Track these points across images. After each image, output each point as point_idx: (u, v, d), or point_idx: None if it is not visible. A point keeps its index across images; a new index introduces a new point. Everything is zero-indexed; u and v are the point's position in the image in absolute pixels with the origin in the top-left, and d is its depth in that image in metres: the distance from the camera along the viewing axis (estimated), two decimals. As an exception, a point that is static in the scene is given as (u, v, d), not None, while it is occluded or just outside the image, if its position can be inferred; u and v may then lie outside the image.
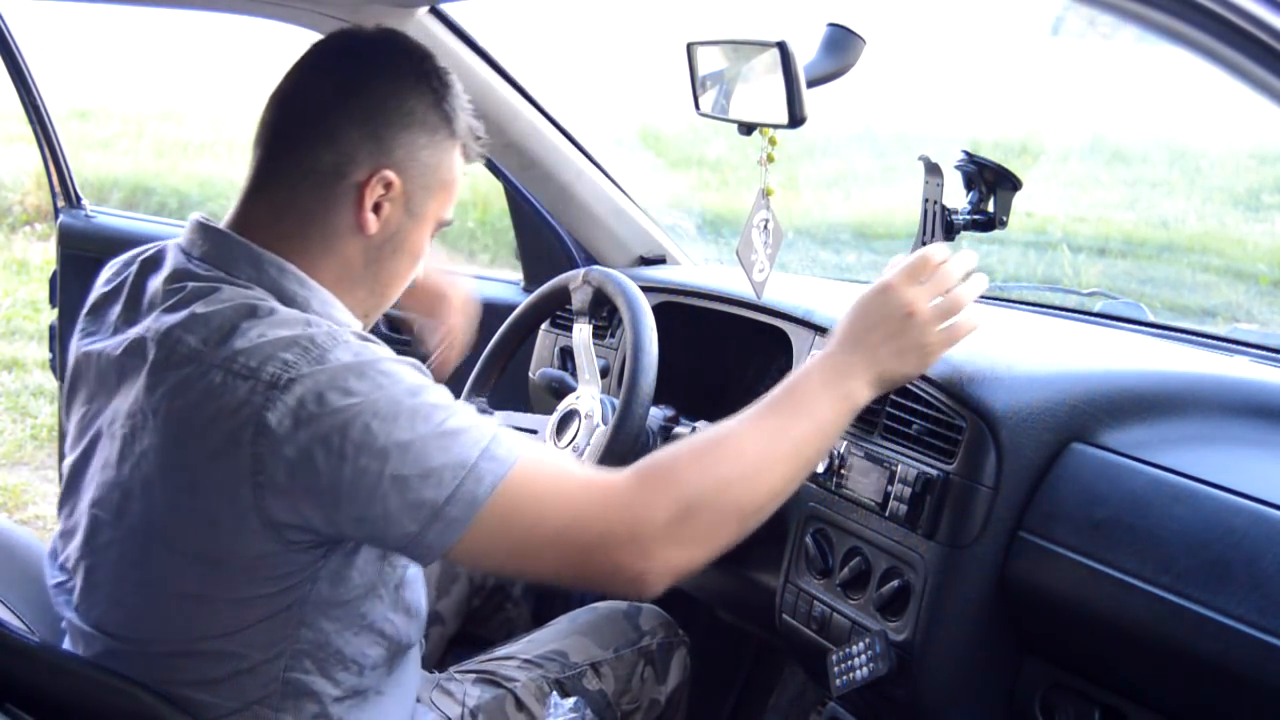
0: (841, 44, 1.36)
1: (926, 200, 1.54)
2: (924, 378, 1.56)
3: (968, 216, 1.55)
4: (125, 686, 1.28)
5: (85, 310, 1.42)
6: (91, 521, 1.29)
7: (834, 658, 1.55)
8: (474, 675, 1.68)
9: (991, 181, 1.53)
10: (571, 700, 1.62)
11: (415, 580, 1.39)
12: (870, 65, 1.39)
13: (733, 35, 1.41)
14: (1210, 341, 1.87)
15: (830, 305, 1.82)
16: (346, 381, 1.17)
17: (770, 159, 1.43)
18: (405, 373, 1.21)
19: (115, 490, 1.26)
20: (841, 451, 1.63)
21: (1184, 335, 1.90)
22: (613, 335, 2.14)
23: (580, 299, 1.80)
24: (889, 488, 1.53)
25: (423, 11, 1.97)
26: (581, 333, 1.80)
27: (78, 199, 2.85)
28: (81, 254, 2.80)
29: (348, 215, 1.30)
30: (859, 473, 1.59)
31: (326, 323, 1.24)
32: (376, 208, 1.30)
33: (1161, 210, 6.82)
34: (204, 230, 1.32)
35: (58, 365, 2.85)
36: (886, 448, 1.57)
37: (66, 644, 1.38)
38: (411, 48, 1.35)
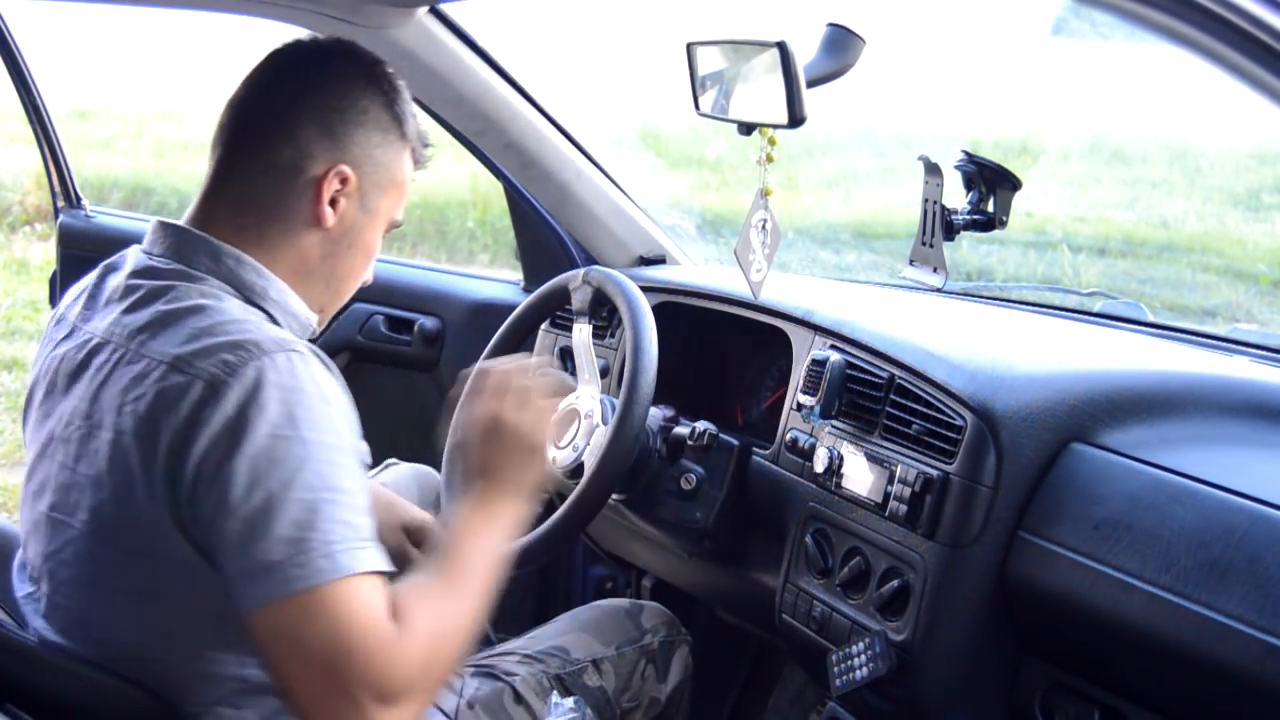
0: (841, 44, 1.36)
1: (926, 200, 1.54)
2: (923, 377, 1.56)
3: (967, 216, 1.55)
4: (125, 687, 1.28)
5: (51, 322, 1.44)
6: (50, 525, 1.30)
7: (834, 658, 1.55)
8: (473, 669, 1.68)
9: (991, 181, 1.53)
10: (572, 700, 1.62)
11: None
12: (870, 65, 1.39)
13: (732, 35, 1.41)
14: (1210, 341, 1.87)
15: (830, 305, 1.82)
16: (278, 402, 1.19)
17: (770, 159, 1.42)
18: (331, 419, 1.22)
19: (70, 490, 1.28)
20: (841, 451, 1.63)
21: (1184, 335, 1.90)
22: (612, 335, 2.14)
23: (580, 299, 1.80)
24: (889, 488, 1.53)
25: (422, 11, 1.97)
26: (581, 333, 1.80)
27: (78, 199, 2.85)
28: (81, 254, 2.80)
29: (306, 210, 1.34)
30: (859, 472, 1.59)
31: (278, 331, 1.27)
32: (333, 203, 1.35)
33: (1161, 210, 6.82)
34: (164, 228, 1.36)
35: (58, 365, 2.85)
36: (886, 448, 1.57)
37: None
38: (364, 54, 1.41)
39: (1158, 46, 1.14)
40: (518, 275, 2.59)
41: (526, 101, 2.19)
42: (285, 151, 1.34)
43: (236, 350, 1.21)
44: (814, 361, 1.70)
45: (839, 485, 1.62)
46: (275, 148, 1.34)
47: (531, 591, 2.45)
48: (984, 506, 1.45)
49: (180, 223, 1.36)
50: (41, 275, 6.29)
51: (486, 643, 1.78)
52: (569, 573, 2.49)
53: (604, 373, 2.05)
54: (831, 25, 1.37)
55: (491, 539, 1.35)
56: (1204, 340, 1.88)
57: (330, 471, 1.20)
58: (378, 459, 1.95)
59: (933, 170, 1.55)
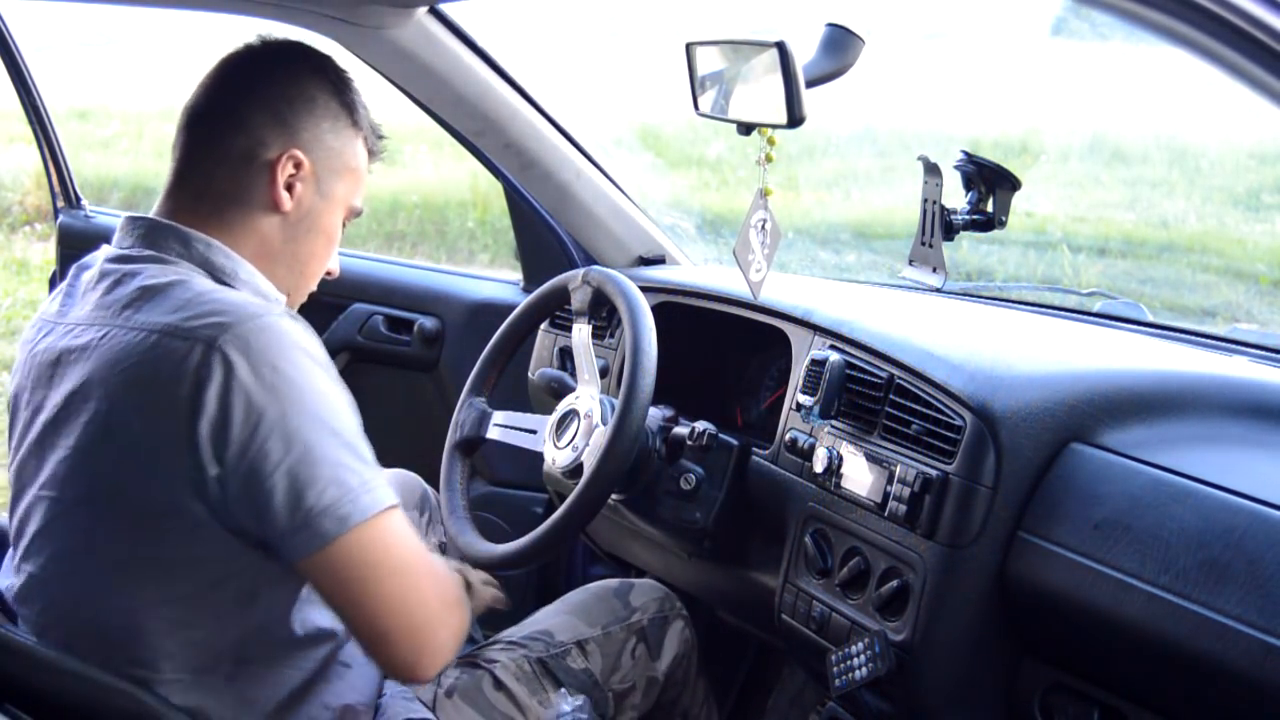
0: (840, 44, 1.36)
1: (926, 200, 1.54)
2: (923, 377, 1.56)
3: (967, 216, 1.55)
4: (125, 687, 1.28)
5: (29, 328, 1.47)
6: (42, 505, 1.34)
7: (833, 658, 1.55)
8: (455, 660, 1.68)
9: (990, 181, 1.53)
10: (574, 700, 1.62)
11: None
12: (869, 65, 1.39)
13: (732, 35, 1.41)
14: (1209, 341, 1.87)
15: (830, 305, 1.82)
16: (275, 357, 1.26)
17: (769, 159, 1.42)
18: (322, 371, 1.31)
19: (65, 467, 1.31)
20: (841, 451, 1.63)
21: (1183, 335, 1.90)
22: (612, 335, 2.14)
23: (580, 299, 1.80)
24: (888, 488, 1.53)
25: (422, 12, 1.97)
26: (581, 333, 1.80)
27: (77, 199, 2.85)
28: (81, 254, 2.79)
29: (263, 195, 1.41)
30: (858, 473, 1.59)
31: (257, 298, 1.35)
32: (289, 187, 1.42)
33: (1161, 210, 6.82)
34: (132, 222, 1.42)
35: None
36: (886, 448, 1.57)
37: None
38: (310, 49, 1.49)
39: (1158, 46, 1.14)
40: (517, 275, 2.59)
41: (526, 101, 2.19)
42: (239, 141, 1.40)
43: (227, 314, 1.27)
44: (813, 361, 1.70)
45: (838, 485, 1.62)
46: (229, 138, 1.41)
47: (531, 591, 2.45)
48: (983, 506, 1.45)
49: (148, 215, 1.42)
50: (41, 275, 6.29)
51: (471, 642, 1.77)
52: (568, 573, 2.49)
53: (603, 373, 2.05)
54: (830, 25, 1.37)
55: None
56: (1204, 340, 1.88)
57: (341, 420, 1.30)
58: (377, 458, 1.95)
59: (932, 170, 1.55)
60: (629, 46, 9.22)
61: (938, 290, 1.70)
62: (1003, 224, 1.54)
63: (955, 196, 1.57)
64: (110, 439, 1.28)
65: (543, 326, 2.26)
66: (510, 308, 1.97)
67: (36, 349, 1.40)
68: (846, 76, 1.38)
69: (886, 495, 1.53)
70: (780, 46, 1.31)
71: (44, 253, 6.81)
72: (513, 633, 1.74)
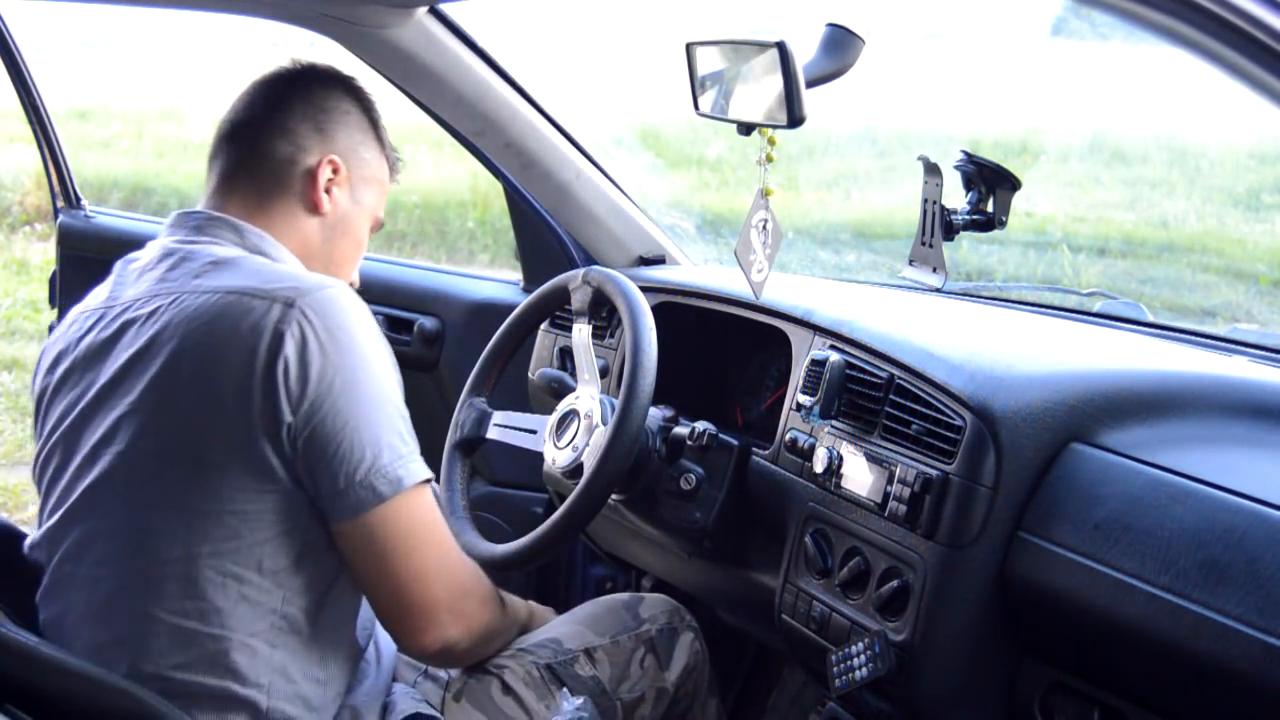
0: (840, 44, 1.36)
1: (926, 200, 1.54)
2: (923, 377, 1.56)
3: (967, 216, 1.55)
4: (126, 687, 1.29)
5: (63, 326, 1.52)
6: (104, 462, 1.39)
7: (833, 658, 1.55)
8: (462, 676, 1.68)
9: (991, 181, 1.53)
10: (578, 700, 1.62)
11: None
12: (869, 65, 1.39)
13: (732, 35, 1.41)
14: (1209, 341, 1.87)
15: (830, 305, 1.83)
16: (347, 323, 1.37)
17: (770, 159, 1.43)
18: (383, 345, 1.43)
19: (124, 421, 1.38)
20: (841, 452, 1.63)
21: (1183, 335, 1.90)
22: (612, 335, 2.14)
23: (580, 299, 1.80)
24: (888, 488, 1.53)
25: (422, 12, 1.97)
26: (581, 333, 1.80)
27: (77, 199, 2.85)
28: (81, 254, 2.80)
29: (304, 196, 1.54)
30: (858, 473, 1.59)
31: (348, 292, 1.44)
32: (327, 191, 1.55)
33: (1161, 210, 6.82)
34: (185, 215, 1.52)
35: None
36: (886, 448, 1.57)
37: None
38: (340, 71, 1.64)
39: (1158, 47, 1.14)
40: (517, 275, 2.59)
41: (526, 101, 2.19)
42: (283, 147, 1.53)
43: (301, 282, 1.39)
44: (813, 361, 1.70)
45: (838, 485, 1.62)
46: (273, 145, 1.53)
47: (531, 591, 2.45)
48: (983, 506, 1.45)
49: (199, 209, 1.53)
50: (41, 275, 6.29)
51: None
52: (568, 573, 2.49)
53: (603, 373, 2.05)
54: (831, 25, 1.37)
55: (520, 619, 1.71)
56: (1204, 340, 1.88)
57: (397, 393, 1.42)
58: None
59: (932, 170, 1.55)
60: (629, 46, 9.22)
61: (938, 290, 1.70)
62: (1003, 224, 1.54)
63: (955, 196, 1.57)
64: (179, 390, 1.36)
65: (543, 326, 2.26)
66: (510, 308, 1.96)
67: (85, 339, 1.45)
68: (846, 76, 1.38)
69: (887, 495, 1.53)
70: (780, 46, 1.31)
71: (44, 253, 6.82)
72: (521, 640, 1.74)
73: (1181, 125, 7.59)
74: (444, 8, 2.00)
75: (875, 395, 1.61)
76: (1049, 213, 6.59)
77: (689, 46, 1.45)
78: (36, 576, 1.55)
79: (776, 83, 1.32)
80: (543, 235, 2.42)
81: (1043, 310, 2.11)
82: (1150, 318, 2.01)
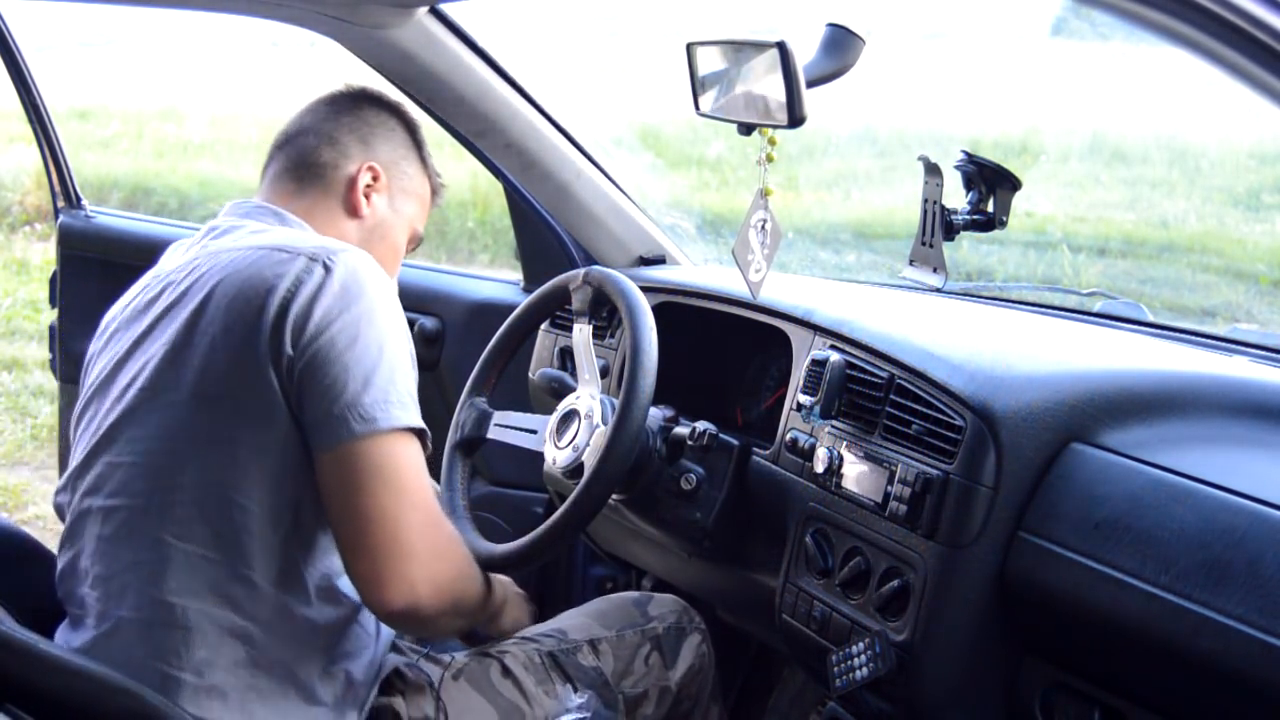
0: (841, 44, 1.36)
1: (926, 200, 1.55)
2: (924, 377, 1.56)
3: (967, 216, 1.55)
4: (127, 685, 1.29)
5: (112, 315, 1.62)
6: (132, 398, 1.47)
7: (834, 658, 1.55)
8: (464, 651, 1.69)
9: (991, 181, 1.53)
10: (584, 697, 1.62)
11: None
12: (870, 65, 1.39)
13: (732, 35, 1.41)
14: (1210, 341, 1.87)
15: (830, 305, 1.83)
16: (365, 278, 1.45)
17: (770, 159, 1.43)
18: (398, 307, 1.49)
19: (156, 360, 1.47)
20: (841, 452, 1.63)
21: (1184, 335, 1.90)
22: (612, 335, 2.14)
23: (580, 299, 1.80)
24: (889, 488, 1.53)
25: (422, 12, 1.97)
26: (581, 333, 1.80)
27: (78, 199, 2.85)
28: (82, 254, 2.80)
29: (344, 200, 1.64)
30: (859, 472, 1.59)
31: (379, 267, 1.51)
32: (366, 196, 1.64)
33: (1161, 210, 6.81)
34: (235, 205, 1.63)
35: (58, 365, 2.85)
36: (886, 448, 1.57)
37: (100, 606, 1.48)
38: (390, 97, 1.75)
39: (1158, 46, 1.14)
40: (517, 275, 2.59)
41: (526, 101, 2.20)
42: (327, 154, 1.64)
43: (330, 244, 1.49)
44: (814, 362, 1.70)
45: (839, 485, 1.62)
46: (319, 151, 1.64)
47: (532, 591, 2.45)
48: (984, 506, 1.45)
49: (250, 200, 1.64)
50: (42, 275, 6.30)
51: (479, 640, 1.78)
52: (569, 573, 2.49)
53: (604, 373, 2.05)
54: (831, 25, 1.37)
55: (495, 595, 1.67)
56: (1204, 340, 1.88)
57: (400, 346, 1.46)
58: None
59: (933, 170, 1.55)
60: (629, 46, 9.22)
61: (938, 290, 1.70)
62: (1003, 224, 1.55)
63: (956, 196, 1.57)
64: (202, 329, 1.44)
65: (543, 326, 2.26)
66: (510, 308, 1.97)
67: (130, 304, 1.56)
68: (847, 76, 1.38)
69: (887, 495, 1.53)
70: (781, 46, 1.31)
71: (44, 253, 6.82)
72: (526, 630, 1.74)
73: (1181, 125, 7.59)
74: (444, 8, 2.00)
75: (876, 395, 1.61)
76: (1049, 213, 6.59)
77: (689, 47, 1.45)
78: (37, 575, 1.56)
79: (777, 83, 1.32)
80: (543, 235, 2.42)
81: (1043, 310, 2.11)
82: (1150, 318, 2.01)
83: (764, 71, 1.35)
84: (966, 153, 1.54)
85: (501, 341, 1.92)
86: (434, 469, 1.90)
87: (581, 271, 1.82)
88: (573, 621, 1.78)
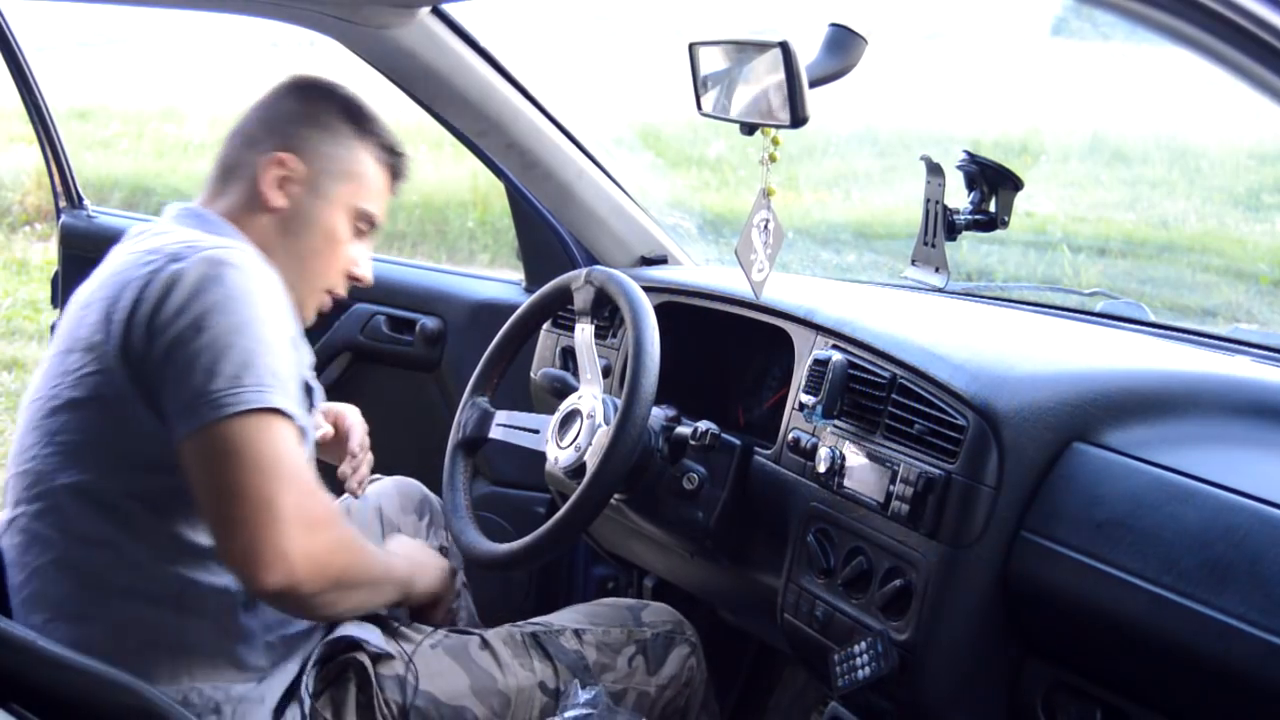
0: (843, 44, 1.36)
1: (928, 200, 1.55)
2: (926, 377, 1.56)
3: (969, 217, 1.55)
4: (128, 683, 1.29)
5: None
6: (31, 411, 1.53)
7: (836, 657, 1.56)
8: (445, 632, 1.71)
9: (993, 181, 1.53)
10: (592, 693, 1.62)
11: None
12: (870, 65, 1.39)
13: (734, 35, 1.41)
14: (1211, 341, 1.87)
15: (832, 305, 1.83)
16: (223, 271, 1.44)
17: (773, 159, 1.43)
18: (264, 295, 1.47)
19: (44, 373, 1.54)
20: (843, 451, 1.63)
21: (1185, 335, 1.90)
22: (614, 335, 2.14)
23: (582, 299, 1.80)
24: (891, 487, 1.53)
25: (424, 11, 1.97)
26: (583, 333, 1.80)
27: (79, 199, 2.84)
28: (83, 254, 2.79)
29: (255, 194, 1.62)
30: (861, 472, 1.59)
31: (253, 258, 1.51)
32: (281, 187, 1.62)
33: (1161, 210, 6.81)
34: (171, 208, 1.66)
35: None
36: (888, 447, 1.57)
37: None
38: (323, 78, 1.71)
39: (1158, 46, 1.15)
40: (519, 275, 2.59)
41: (528, 101, 2.20)
42: (242, 152, 1.64)
43: (200, 243, 1.49)
44: (816, 361, 1.70)
45: (841, 485, 1.62)
46: (235, 150, 1.66)
47: (533, 590, 2.45)
48: (986, 506, 1.45)
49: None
50: (42, 275, 6.29)
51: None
52: (570, 573, 2.49)
53: (606, 372, 2.05)
54: (833, 25, 1.37)
55: (396, 565, 1.65)
56: (1205, 340, 1.88)
57: (273, 335, 1.45)
58: (380, 458, 1.95)
59: (935, 170, 1.55)
60: (629, 46, 9.22)
61: (940, 290, 1.70)
62: (1005, 224, 1.55)
63: (957, 196, 1.57)
64: (77, 336, 1.49)
65: (545, 326, 2.26)
66: (512, 308, 1.97)
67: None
68: (849, 76, 1.38)
69: (889, 495, 1.54)
70: (783, 46, 1.31)
71: (44, 253, 6.81)
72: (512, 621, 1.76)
73: (1181, 125, 7.59)
74: (446, 7, 2.00)
75: (878, 395, 1.61)
76: (1049, 213, 6.59)
77: (692, 47, 1.45)
78: None
79: (779, 83, 1.32)
80: (545, 235, 2.42)
81: (1044, 310, 2.11)
82: (1152, 317, 2.01)
83: (766, 71, 1.35)
84: (968, 153, 1.54)
85: (503, 341, 1.92)
86: (436, 469, 1.91)
87: (583, 271, 1.82)
88: (561, 615, 1.80)
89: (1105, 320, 2.01)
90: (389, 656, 1.60)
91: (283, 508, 1.39)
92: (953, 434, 1.49)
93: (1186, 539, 1.30)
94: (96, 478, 1.48)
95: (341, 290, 1.71)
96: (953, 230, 1.53)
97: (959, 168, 1.56)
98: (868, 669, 1.50)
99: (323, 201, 1.64)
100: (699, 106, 1.47)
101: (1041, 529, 1.43)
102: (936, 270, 1.60)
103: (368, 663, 1.58)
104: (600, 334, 2.09)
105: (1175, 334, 1.91)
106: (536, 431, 1.83)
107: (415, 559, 1.72)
